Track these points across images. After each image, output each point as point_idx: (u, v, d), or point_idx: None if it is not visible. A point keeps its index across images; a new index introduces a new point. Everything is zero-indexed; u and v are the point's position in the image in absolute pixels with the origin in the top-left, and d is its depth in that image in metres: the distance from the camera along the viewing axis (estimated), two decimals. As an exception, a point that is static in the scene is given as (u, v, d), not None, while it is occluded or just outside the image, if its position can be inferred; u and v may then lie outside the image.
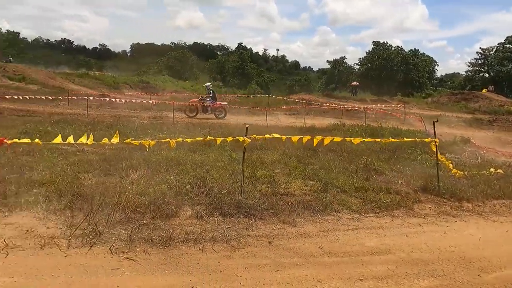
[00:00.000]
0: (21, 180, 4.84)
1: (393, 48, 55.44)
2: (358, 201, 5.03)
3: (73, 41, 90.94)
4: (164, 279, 3.06)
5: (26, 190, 4.54)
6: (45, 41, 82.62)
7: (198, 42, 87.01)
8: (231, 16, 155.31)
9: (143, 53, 66.14)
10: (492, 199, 5.49)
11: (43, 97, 15.21)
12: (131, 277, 3.04)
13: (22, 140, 4.39)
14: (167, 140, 4.87)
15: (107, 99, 17.22)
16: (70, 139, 4.22)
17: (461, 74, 59.90)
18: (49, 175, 5.08)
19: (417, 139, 6.47)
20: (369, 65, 54.25)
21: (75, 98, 17.73)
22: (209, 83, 17.65)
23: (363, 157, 7.19)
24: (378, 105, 24.48)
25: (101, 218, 3.91)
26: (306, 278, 3.18)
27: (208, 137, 5.17)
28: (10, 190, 4.47)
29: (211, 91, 16.29)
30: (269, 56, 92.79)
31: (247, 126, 5.17)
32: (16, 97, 15.38)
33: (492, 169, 6.60)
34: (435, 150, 5.73)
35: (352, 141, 5.35)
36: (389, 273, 3.34)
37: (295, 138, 5.04)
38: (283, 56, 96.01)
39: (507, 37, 48.73)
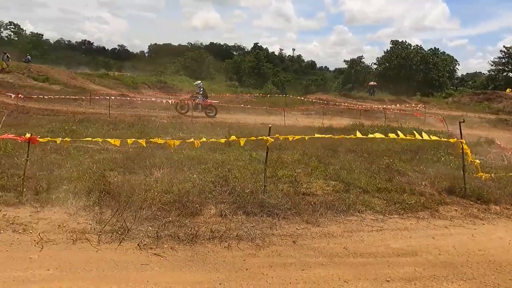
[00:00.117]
0: (51, 177, 5.00)
1: (412, 47, 54.31)
2: (381, 202, 4.98)
3: (93, 42, 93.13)
4: (192, 275, 3.11)
5: (56, 187, 4.70)
6: (66, 42, 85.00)
7: (215, 42, 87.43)
8: (247, 16, 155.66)
9: (161, 53, 67.21)
10: (521, 202, 5.33)
11: (66, 97, 15.68)
12: (160, 273, 3.11)
13: (53, 139, 4.54)
14: (191, 140, 4.95)
15: (127, 98, 17.59)
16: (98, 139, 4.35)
17: (483, 73, 58.20)
18: (77, 172, 5.23)
19: (442, 139, 6.32)
20: (387, 64, 53.20)
21: (97, 98, 18.18)
22: (199, 81, 17.66)
23: (384, 157, 7.09)
24: (398, 105, 23.99)
25: (129, 214, 4.02)
26: (332, 278, 3.18)
27: (232, 137, 5.21)
28: (41, 186, 4.63)
29: (202, 89, 16.40)
30: (285, 56, 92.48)
31: (270, 126, 5.20)
32: (41, 97, 15.94)
33: (520, 171, 6.40)
34: (461, 151, 5.60)
35: (375, 136, 5.26)
36: (416, 275, 3.29)
37: (317, 136, 5.01)
38: (299, 56, 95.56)
39: (532, 35, 47.06)
